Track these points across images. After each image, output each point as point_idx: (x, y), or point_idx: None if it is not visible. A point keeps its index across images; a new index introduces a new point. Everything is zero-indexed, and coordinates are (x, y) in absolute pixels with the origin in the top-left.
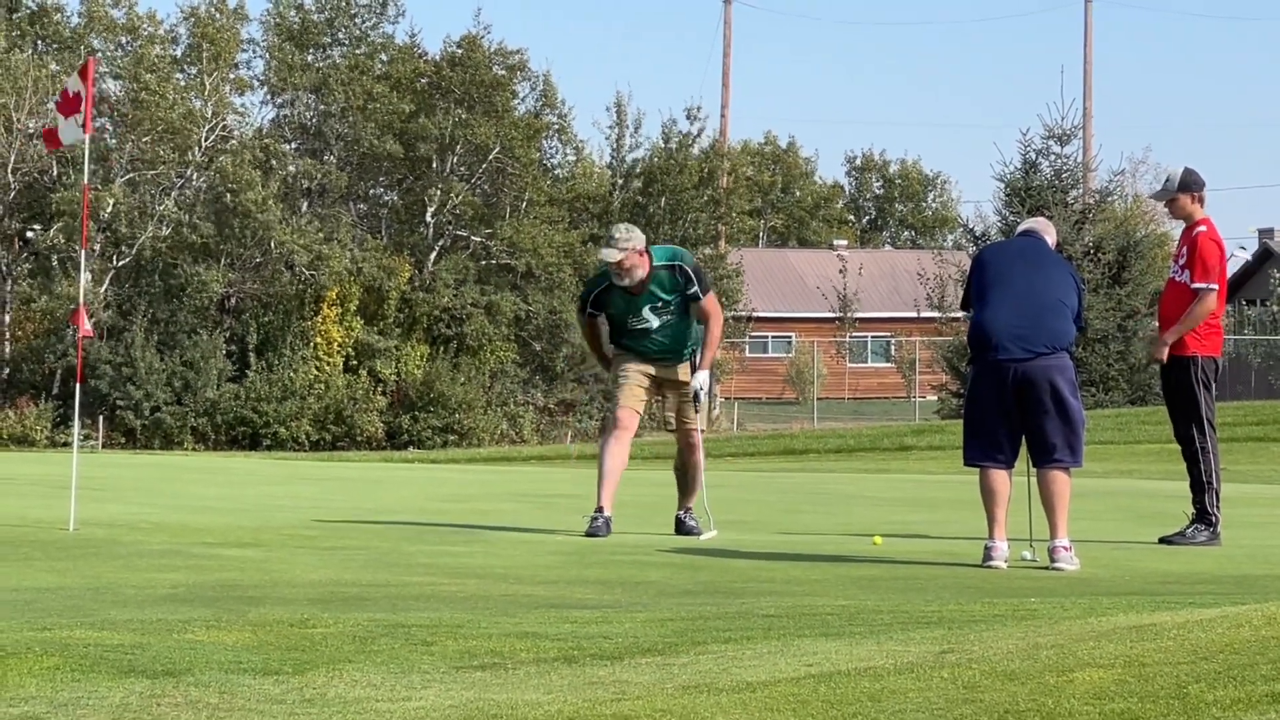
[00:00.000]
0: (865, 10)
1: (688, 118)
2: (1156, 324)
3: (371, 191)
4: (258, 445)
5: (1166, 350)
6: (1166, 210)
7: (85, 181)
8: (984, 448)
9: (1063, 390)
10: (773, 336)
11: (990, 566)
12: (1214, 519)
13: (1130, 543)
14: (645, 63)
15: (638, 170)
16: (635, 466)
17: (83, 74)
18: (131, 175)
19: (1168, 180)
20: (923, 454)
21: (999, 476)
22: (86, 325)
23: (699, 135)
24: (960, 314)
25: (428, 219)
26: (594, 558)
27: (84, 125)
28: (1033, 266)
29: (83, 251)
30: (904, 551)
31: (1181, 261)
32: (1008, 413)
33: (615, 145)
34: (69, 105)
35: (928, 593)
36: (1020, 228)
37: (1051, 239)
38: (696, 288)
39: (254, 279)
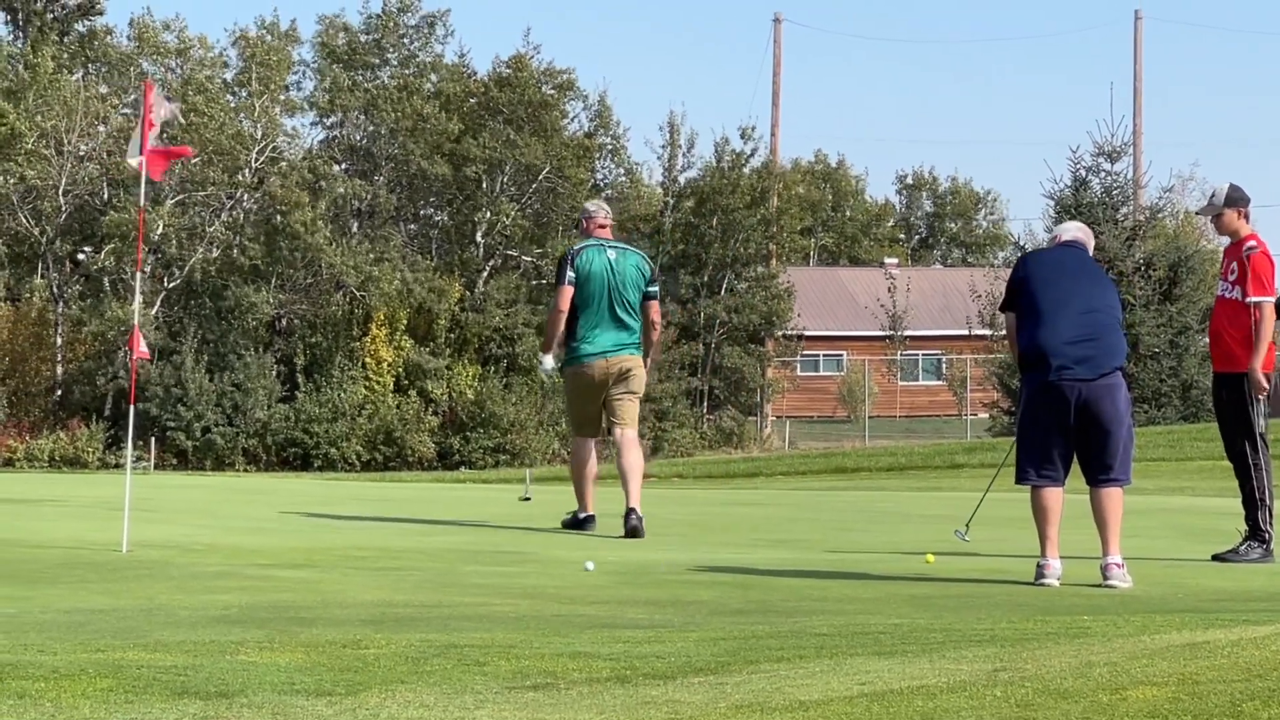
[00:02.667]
0: (915, 28)
1: (742, 137)
2: (1207, 340)
3: (421, 212)
4: (309, 466)
5: (1261, 375)
6: (1213, 226)
7: (141, 204)
8: (1039, 466)
9: (1121, 409)
10: (824, 355)
11: (1043, 584)
12: (1267, 536)
13: (1183, 560)
14: (695, 82)
15: (689, 190)
16: (688, 486)
17: (145, 100)
18: (181, 197)
19: (1213, 196)
20: (975, 472)
21: (1053, 494)
22: (142, 347)
23: (752, 155)
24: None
25: (478, 239)
26: (646, 577)
27: (141, 149)
28: (1085, 280)
29: (138, 274)
30: (956, 570)
31: (1231, 278)
32: (1066, 432)
33: (668, 165)
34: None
35: (980, 611)
36: (1063, 236)
37: (1091, 246)
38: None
39: (304, 300)
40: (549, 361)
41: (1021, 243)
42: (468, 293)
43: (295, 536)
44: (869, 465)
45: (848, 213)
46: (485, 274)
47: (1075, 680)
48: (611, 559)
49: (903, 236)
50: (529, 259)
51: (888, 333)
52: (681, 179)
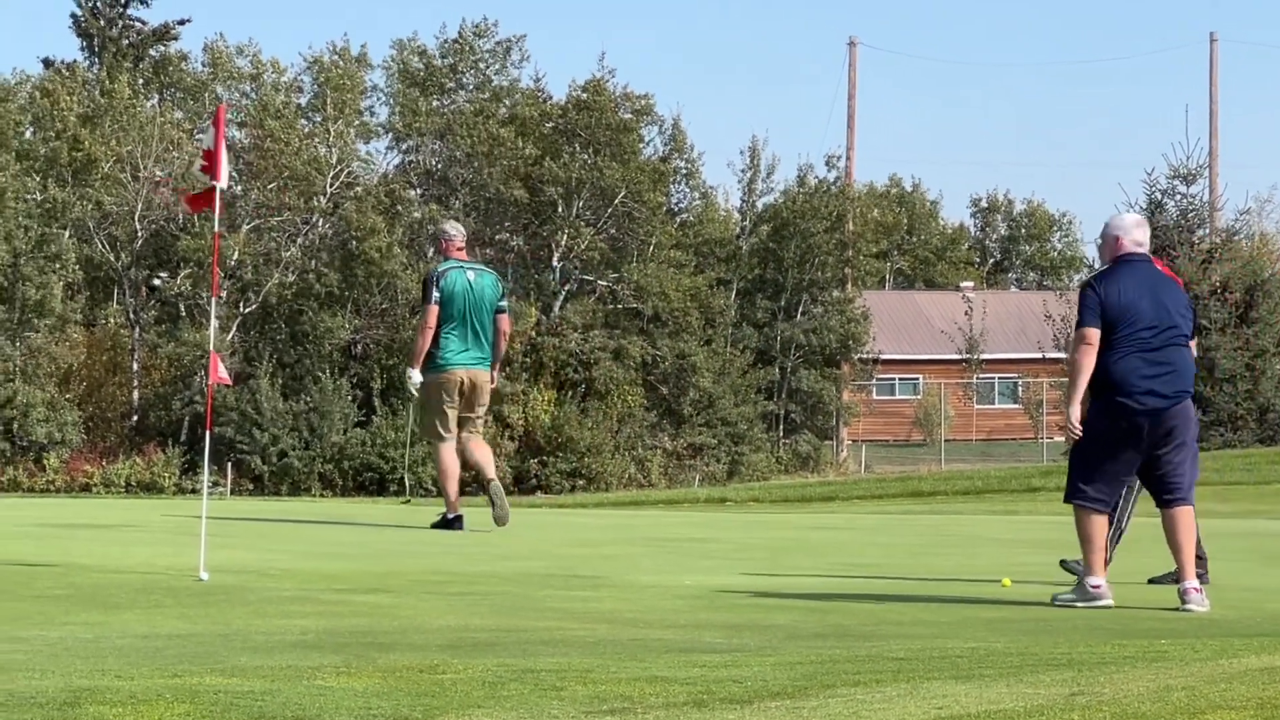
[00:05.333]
0: (989, 51)
1: (826, 165)
2: None
3: (497, 236)
4: (385, 490)
5: None
6: None
7: (217, 229)
8: (1101, 491)
9: (1193, 429)
10: (900, 379)
11: (1104, 605)
12: None
13: (1261, 584)
14: (769, 105)
15: (767, 214)
16: (764, 510)
17: (215, 123)
18: (257, 222)
19: None
20: (1051, 495)
21: (1104, 520)
22: (222, 372)
23: (835, 181)
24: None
25: (554, 263)
26: (722, 601)
27: (214, 174)
28: (1160, 298)
29: (214, 300)
30: (1033, 593)
31: None
32: (1132, 458)
33: (747, 189)
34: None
35: (1057, 635)
36: (1131, 245)
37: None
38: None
39: (380, 324)
40: (416, 376)
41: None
42: (544, 317)
43: (371, 561)
44: (945, 489)
45: (923, 236)
46: (561, 298)
47: (1153, 704)
48: (688, 583)
49: (978, 260)
50: (605, 283)
51: (963, 356)
52: (760, 204)
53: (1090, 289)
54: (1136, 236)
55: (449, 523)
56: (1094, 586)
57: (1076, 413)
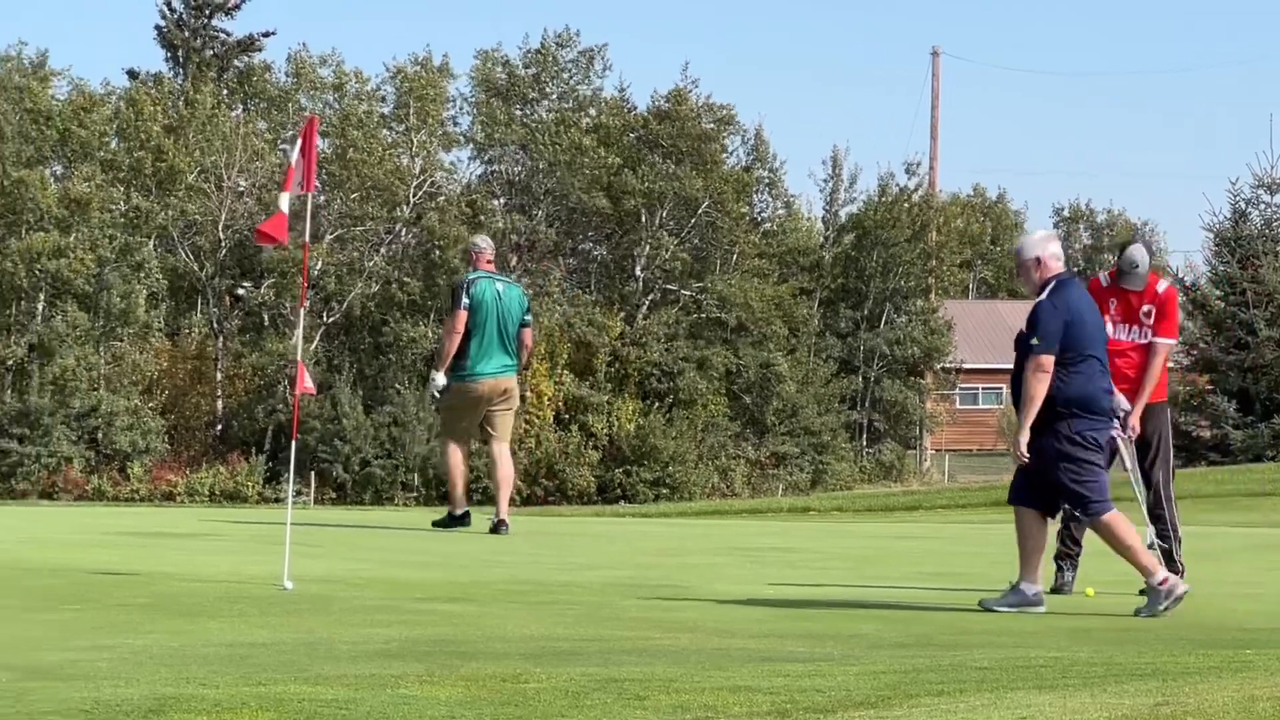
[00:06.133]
0: (1072, 61)
1: (907, 172)
2: None
3: (580, 246)
4: (468, 500)
5: None
6: None
7: (305, 239)
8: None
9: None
10: (983, 388)
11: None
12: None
13: None
14: (852, 115)
15: (850, 224)
16: (848, 519)
17: (305, 134)
18: (340, 232)
19: None
20: (1132, 504)
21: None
22: (307, 382)
23: (916, 190)
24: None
25: (637, 273)
26: (805, 610)
27: (304, 183)
28: (1098, 318)
29: (301, 309)
30: (1116, 603)
31: None
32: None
33: (829, 199)
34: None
35: (1141, 644)
36: (1057, 263)
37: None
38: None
39: None
40: (440, 379)
41: (1180, 275)
42: (627, 327)
43: (455, 570)
44: None
45: (1006, 246)
46: (644, 308)
47: (1238, 715)
48: (771, 592)
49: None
50: (688, 293)
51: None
52: (843, 213)
53: (1061, 311)
54: (1055, 251)
55: (454, 520)
56: (1161, 582)
57: (1027, 438)
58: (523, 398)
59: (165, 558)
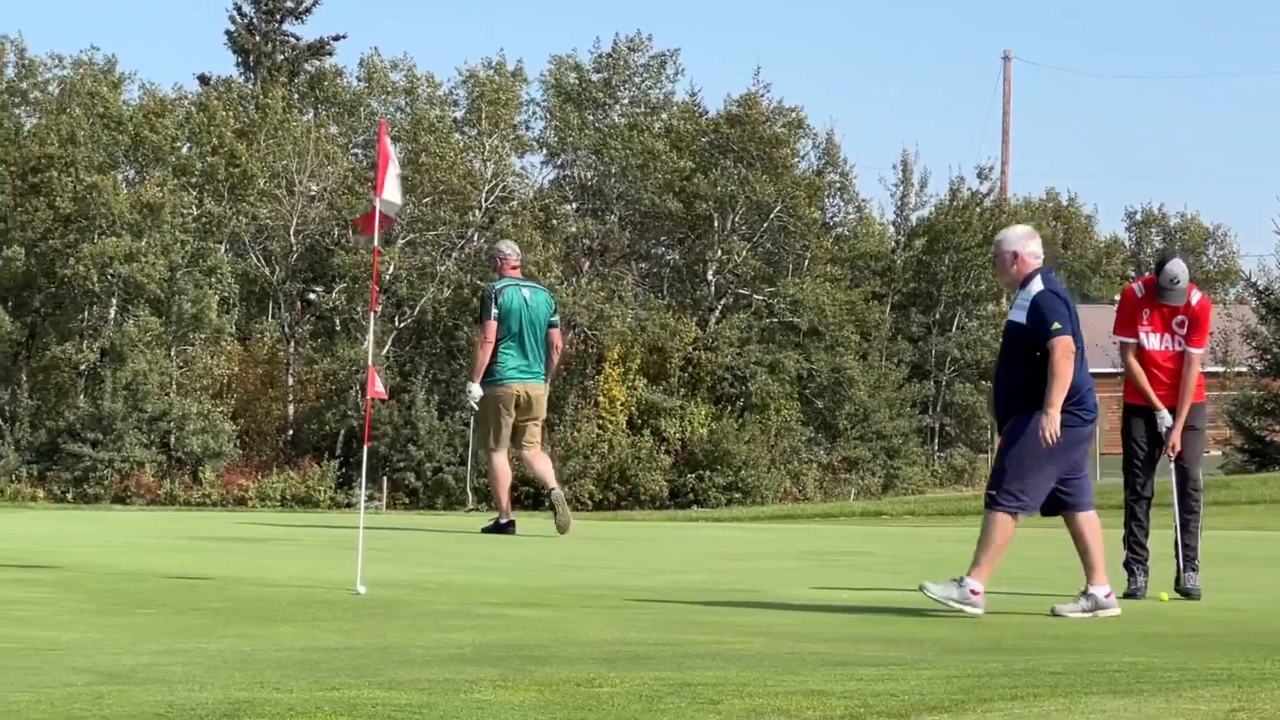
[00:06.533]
0: (1143, 65)
1: (979, 176)
2: None
3: (653, 250)
4: (540, 505)
5: None
6: None
7: (376, 244)
8: (1034, 499)
9: None
10: None
11: (976, 614)
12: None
13: None
14: (923, 120)
15: (921, 228)
16: (920, 524)
17: (379, 139)
18: (412, 237)
19: None
20: (1208, 510)
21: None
22: (378, 387)
23: (988, 194)
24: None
25: (709, 277)
26: (878, 614)
27: (377, 188)
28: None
29: (373, 314)
30: (1190, 608)
31: None
32: (1064, 466)
33: (900, 203)
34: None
35: (1216, 650)
36: (1035, 259)
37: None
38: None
39: None
40: (476, 390)
41: (1253, 279)
42: (700, 331)
43: (527, 575)
44: (1102, 503)
45: (1078, 250)
46: (717, 313)
47: None
48: (844, 597)
49: (1133, 273)
50: (760, 297)
51: (1119, 370)
52: (913, 218)
53: (1062, 299)
54: (1035, 249)
55: (501, 528)
56: (974, 591)
57: (1059, 418)
58: (595, 402)
59: (238, 562)
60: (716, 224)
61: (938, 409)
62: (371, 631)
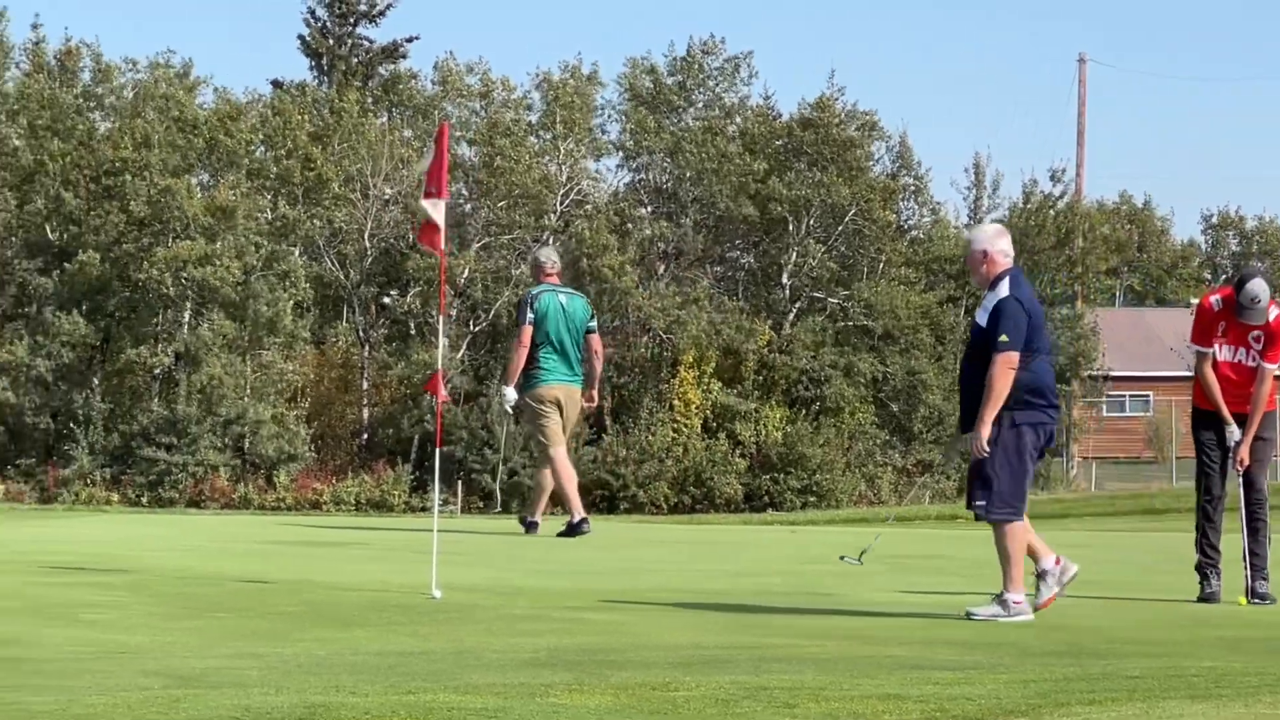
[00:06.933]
0: (1219, 66)
1: (1051, 179)
2: None
3: (728, 254)
4: (615, 508)
5: None
6: None
7: (442, 248)
8: (1022, 503)
9: None
10: (1130, 396)
11: (1027, 620)
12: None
13: None
14: (997, 122)
15: None
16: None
17: (437, 140)
18: (487, 240)
19: None
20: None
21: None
22: (444, 391)
23: (1061, 197)
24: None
25: (784, 280)
26: (954, 618)
27: (440, 191)
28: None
29: (440, 317)
30: (1268, 613)
31: None
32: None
33: (973, 206)
34: (430, 180)
35: None
36: (1005, 259)
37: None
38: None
39: (611, 342)
40: (511, 394)
41: None
42: (774, 334)
43: (602, 579)
44: (1178, 506)
45: (1153, 253)
46: (791, 316)
47: None
48: (915, 600)
49: (1209, 276)
50: (835, 301)
51: (1189, 374)
52: (987, 220)
53: (1024, 308)
54: (1004, 247)
55: (575, 528)
56: (1016, 602)
57: (989, 432)
58: (670, 405)
59: (313, 566)
60: (791, 227)
61: None
62: (446, 635)
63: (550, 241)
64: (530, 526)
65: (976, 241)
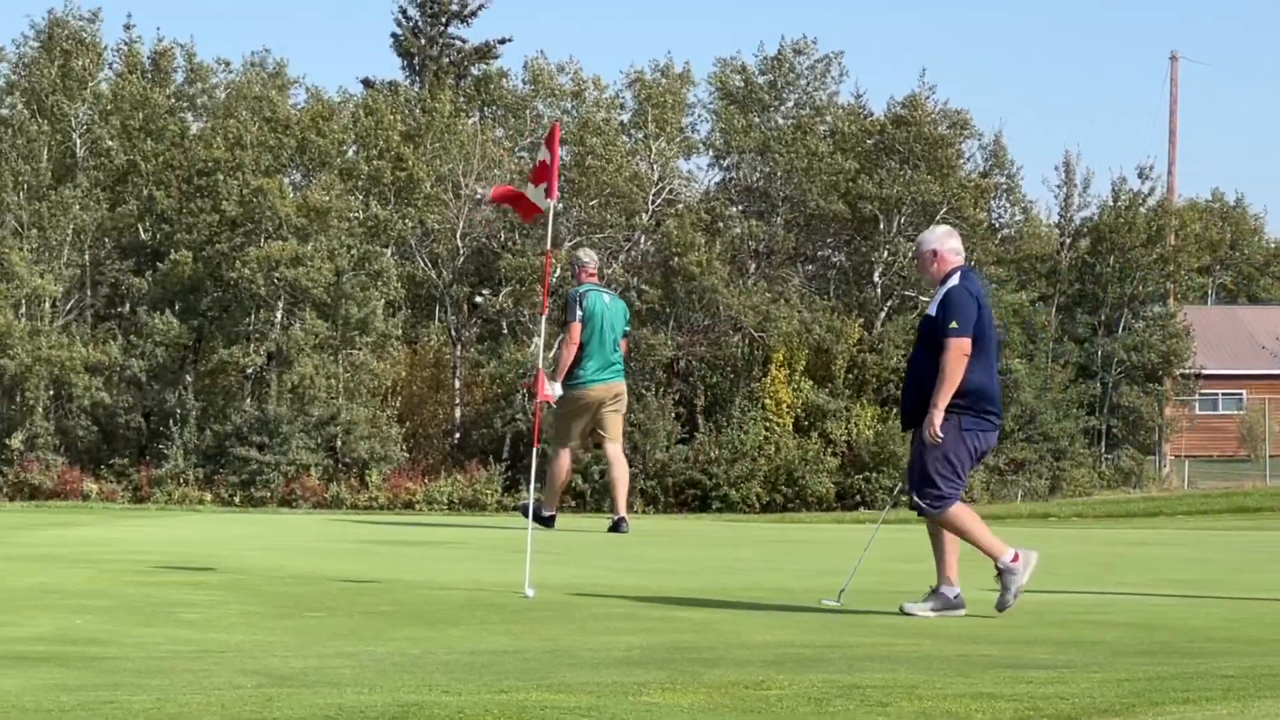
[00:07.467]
0: None
1: (1140, 176)
2: None
3: (819, 252)
4: (707, 507)
5: None
6: None
7: (548, 248)
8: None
9: None
10: (1222, 394)
11: (962, 614)
12: None
13: None
14: (1088, 120)
15: (1085, 230)
16: (1087, 525)
17: (549, 141)
18: (578, 239)
19: None
20: None
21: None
22: (547, 389)
23: (1150, 194)
24: None
25: (875, 279)
26: (1047, 617)
27: (549, 191)
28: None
29: (542, 317)
30: None
31: None
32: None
33: (1063, 204)
34: (539, 174)
35: None
36: (955, 257)
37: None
38: (629, 327)
39: (702, 341)
40: (556, 388)
41: None
42: (866, 333)
43: (695, 578)
44: (1272, 505)
45: (1246, 251)
46: (883, 314)
47: None
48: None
49: None
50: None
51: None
52: (1077, 218)
53: (974, 299)
54: (954, 245)
55: (543, 520)
56: (955, 595)
57: (941, 419)
58: (762, 404)
59: (405, 566)
60: (882, 225)
61: (1104, 410)
62: (540, 634)
63: (641, 241)
64: (546, 521)
65: (926, 242)
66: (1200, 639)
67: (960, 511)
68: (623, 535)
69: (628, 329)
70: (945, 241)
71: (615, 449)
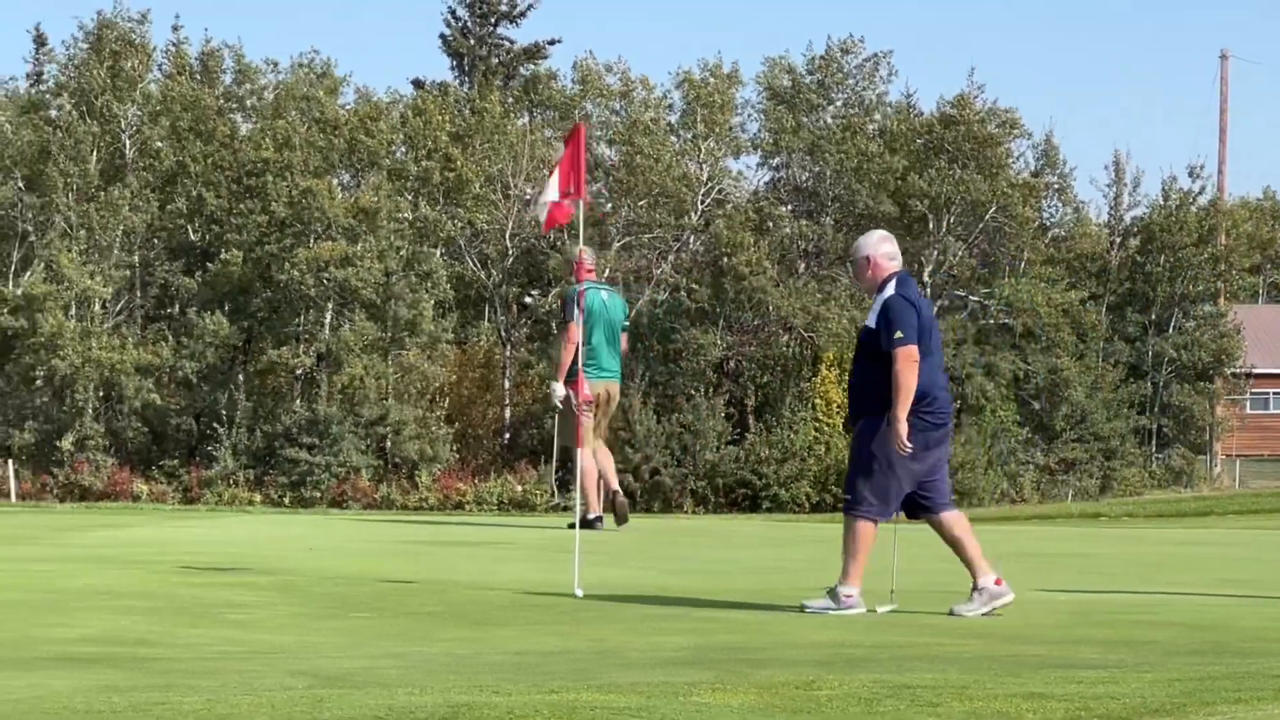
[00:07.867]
0: None
1: (1190, 175)
2: None
3: None
4: (757, 508)
5: None
6: None
7: (580, 246)
8: (885, 504)
9: None
10: (1274, 393)
11: (858, 613)
12: None
13: None
14: (1139, 119)
15: (1135, 228)
16: (1138, 525)
17: (573, 140)
18: (628, 239)
19: None
20: None
21: (874, 531)
22: (586, 390)
23: (1200, 193)
24: None
25: (925, 278)
26: (1098, 617)
27: (576, 190)
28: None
29: (580, 316)
30: None
31: None
32: (918, 472)
33: (1113, 203)
34: (564, 179)
35: None
36: (891, 263)
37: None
38: (628, 323)
39: (752, 341)
40: (560, 389)
41: None
42: None
43: (744, 578)
44: None
45: None
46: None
47: None
48: (1061, 599)
49: None
50: (976, 299)
51: None
52: (1127, 218)
53: (912, 306)
54: (889, 250)
55: (590, 523)
56: (848, 595)
57: (905, 429)
58: (812, 404)
59: (455, 566)
60: (931, 225)
61: (1155, 410)
62: (589, 634)
63: (690, 241)
64: (592, 523)
65: (860, 249)
66: (1252, 639)
67: (864, 529)
68: (631, 532)
69: (626, 325)
70: (880, 247)
71: (599, 443)
